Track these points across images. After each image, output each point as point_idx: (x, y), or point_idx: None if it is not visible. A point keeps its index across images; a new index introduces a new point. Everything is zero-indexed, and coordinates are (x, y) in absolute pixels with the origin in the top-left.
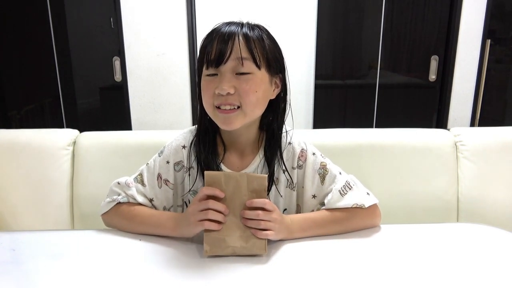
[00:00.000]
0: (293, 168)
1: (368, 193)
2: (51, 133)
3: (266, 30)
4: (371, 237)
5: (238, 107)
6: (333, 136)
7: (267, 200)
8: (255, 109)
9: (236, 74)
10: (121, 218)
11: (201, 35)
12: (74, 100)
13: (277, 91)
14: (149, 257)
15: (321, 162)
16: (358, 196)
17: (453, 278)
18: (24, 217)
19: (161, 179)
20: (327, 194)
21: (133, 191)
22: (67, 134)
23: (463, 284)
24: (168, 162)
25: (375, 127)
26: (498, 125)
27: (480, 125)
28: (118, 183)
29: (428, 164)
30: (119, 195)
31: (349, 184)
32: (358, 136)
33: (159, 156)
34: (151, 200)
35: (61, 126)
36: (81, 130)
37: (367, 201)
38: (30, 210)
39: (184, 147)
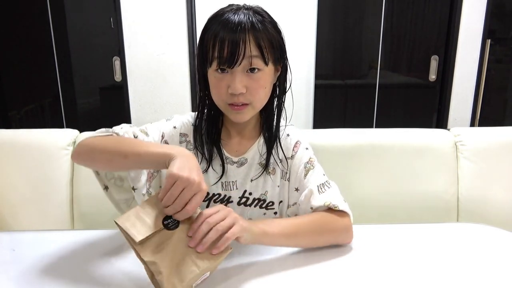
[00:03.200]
0: (287, 158)
1: (344, 201)
2: (51, 133)
3: (268, 16)
4: (371, 237)
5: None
6: (333, 136)
7: (201, 215)
8: (263, 102)
9: (246, 71)
10: (108, 141)
11: None
12: (74, 100)
13: (277, 74)
14: None
15: (310, 158)
16: (334, 197)
17: (453, 278)
18: (24, 217)
19: (162, 138)
20: (306, 188)
21: (135, 129)
22: (67, 134)
23: (463, 284)
24: (175, 128)
25: (375, 127)
26: (498, 125)
27: (480, 125)
28: (121, 127)
29: (428, 164)
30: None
31: (328, 183)
32: (358, 136)
33: (167, 121)
34: None
35: (61, 126)
36: (81, 130)
37: (341, 205)
38: (30, 210)
39: (193, 125)
